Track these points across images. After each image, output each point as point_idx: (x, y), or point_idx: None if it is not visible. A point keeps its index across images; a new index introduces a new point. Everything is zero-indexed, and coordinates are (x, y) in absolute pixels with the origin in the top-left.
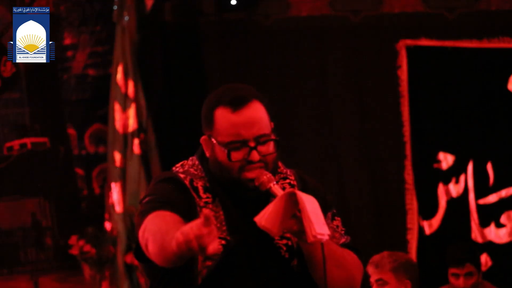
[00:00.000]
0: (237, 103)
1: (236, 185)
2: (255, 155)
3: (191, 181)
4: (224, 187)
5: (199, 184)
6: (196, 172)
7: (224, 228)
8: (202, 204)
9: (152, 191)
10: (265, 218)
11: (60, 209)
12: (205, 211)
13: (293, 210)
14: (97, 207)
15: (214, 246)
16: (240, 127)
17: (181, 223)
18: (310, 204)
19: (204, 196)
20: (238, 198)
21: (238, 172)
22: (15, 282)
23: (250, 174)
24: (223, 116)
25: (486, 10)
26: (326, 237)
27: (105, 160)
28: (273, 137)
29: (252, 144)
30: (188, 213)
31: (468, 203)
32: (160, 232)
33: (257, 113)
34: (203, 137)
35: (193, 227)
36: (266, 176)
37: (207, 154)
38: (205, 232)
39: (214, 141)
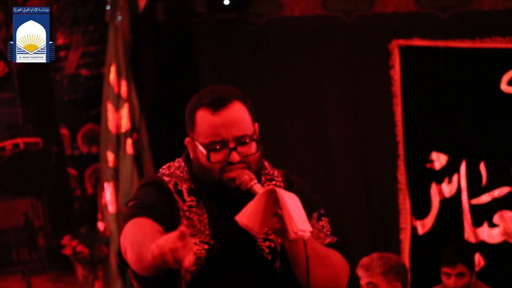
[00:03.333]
0: (216, 104)
1: (219, 187)
2: (235, 156)
3: (175, 185)
4: (208, 189)
5: (184, 187)
6: (181, 174)
7: (207, 232)
8: (185, 208)
9: (135, 195)
10: (246, 216)
11: (53, 209)
12: (181, 227)
13: (275, 207)
14: (90, 207)
15: (189, 259)
16: (219, 128)
17: (159, 231)
18: (290, 201)
19: (188, 199)
20: (221, 200)
21: (219, 173)
22: (8, 282)
23: (231, 174)
24: (203, 117)
25: (479, 10)
26: (308, 234)
27: (98, 160)
28: (255, 137)
29: (231, 145)
30: (170, 217)
31: (461, 203)
32: (137, 242)
33: (237, 114)
34: (186, 139)
35: (168, 240)
36: (247, 175)
37: (191, 156)
38: (180, 245)
39: (196, 143)
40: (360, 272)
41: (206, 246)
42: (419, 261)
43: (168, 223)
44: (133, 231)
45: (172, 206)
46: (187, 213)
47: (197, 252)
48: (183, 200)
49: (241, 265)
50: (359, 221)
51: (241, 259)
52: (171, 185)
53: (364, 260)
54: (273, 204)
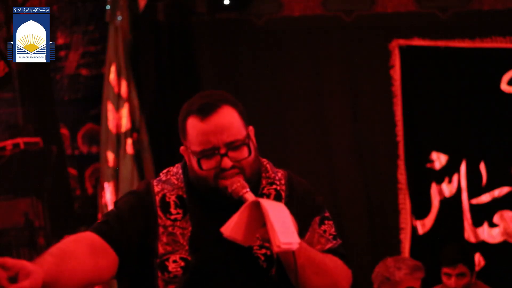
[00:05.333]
0: (205, 111)
1: (214, 194)
2: (226, 162)
3: (163, 197)
4: (201, 198)
5: (172, 199)
6: (176, 182)
7: (187, 247)
8: (169, 223)
9: (118, 201)
10: (230, 228)
11: (53, 209)
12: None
13: (262, 218)
14: (90, 207)
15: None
16: (209, 135)
17: (99, 250)
18: (275, 213)
19: (174, 212)
20: (216, 208)
21: (214, 181)
22: None
23: (226, 182)
24: (193, 125)
25: (479, 9)
26: (294, 246)
27: (98, 160)
28: (246, 141)
29: (222, 151)
30: (144, 232)
31: (461, 202)
32: (50, 253)
33: (226, 119)
34: (181, 148)
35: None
36: (238, 183)
37: (188, 164)
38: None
39: (190, 151)
40: (418, 273)
41: (182, 263)
42: (419, 261)
43: (139, 237)
44: (64, 246)
45: (149, 221)
46: (169, 228)
47: (172, 270)
48: (169, 213)
49: (235, 273)
50: (359, 221)
51: (235, 267)
52: (158, 198)
53: (409, 262)
54: (259, 215)
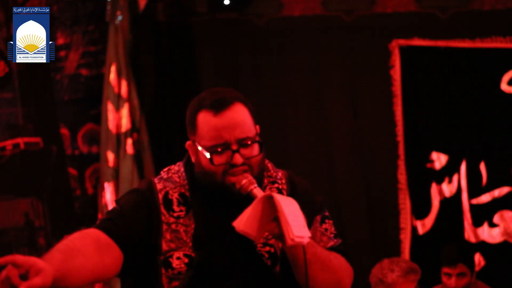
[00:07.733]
0: (218, 106)
1: (221, 190)
2: (238, 158)
3: (166, 195)
4: (206, 194)
5: (175, 196)
6: (178, 180)
7: (191, 244)
8: (172, 220)
9: (120, 199)
10: (243, 222)
11: (53, 209)
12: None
13: (273, 212)
14: (90, 207)
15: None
16: (222, 130)
17: (104, 247)
18: (288, 207)
19: (177, 209)
20: (219, 205)
21: (222, 177)
22: None
23: (233, 178)
24: (205, 119)
25: (479, 9)
26: (306, 240)
27: (98, 160)
28: (257, 139)
29: (234, 147)
30: (148, 229)
31: (461, 203)
32: (58, 250)
33: (239, 116)
34: (188, 143)
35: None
36: (246, 179)
37: (193, 160)
38: (14, 273)
39: (198, 146)
40: (411, 275)
41: (186, 260)
42: (419, 261)
43: (142, 235)
44: (67, 244)
45: (152, 218)
46: (173, 226)
47: (176, 266)
48: (172, 211)
49: (240, 270)
50: (359, 221)
51: (238, 264)
52: (160, 196)
53: (403, 264)
54: (271, 209)
